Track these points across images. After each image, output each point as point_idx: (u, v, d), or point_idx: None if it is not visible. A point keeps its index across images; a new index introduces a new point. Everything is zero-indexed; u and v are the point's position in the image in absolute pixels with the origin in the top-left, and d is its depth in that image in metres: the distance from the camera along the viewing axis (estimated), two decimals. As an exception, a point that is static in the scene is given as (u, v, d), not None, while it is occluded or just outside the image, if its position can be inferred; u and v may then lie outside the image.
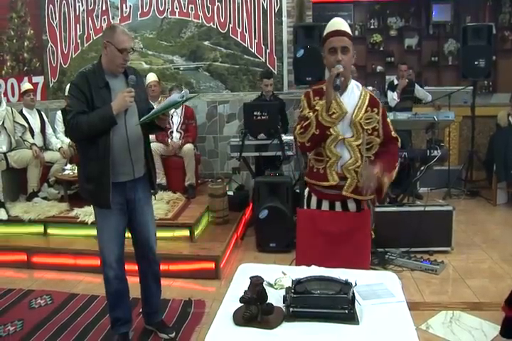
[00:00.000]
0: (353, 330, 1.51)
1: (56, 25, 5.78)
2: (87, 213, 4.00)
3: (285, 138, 4.43)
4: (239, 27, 5.51)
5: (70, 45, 5.79)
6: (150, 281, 2.70)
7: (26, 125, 4.68)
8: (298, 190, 4.29)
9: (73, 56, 5.81)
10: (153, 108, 2.48)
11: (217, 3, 5.49)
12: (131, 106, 2.33)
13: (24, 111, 4.83)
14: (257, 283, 1.59)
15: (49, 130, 4.99)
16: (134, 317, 2.76)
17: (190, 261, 3.67)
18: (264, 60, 5.54)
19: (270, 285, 1.78)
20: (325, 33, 2.19)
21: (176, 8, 5.58)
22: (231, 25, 5.52)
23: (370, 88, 4.69)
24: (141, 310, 2.83)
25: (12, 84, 5.97)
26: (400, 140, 2.35)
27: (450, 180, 5.56)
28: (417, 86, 5.72)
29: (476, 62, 5.39)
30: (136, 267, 2.69)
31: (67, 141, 4.80)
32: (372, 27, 7.79)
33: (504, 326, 2.46)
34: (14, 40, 5.92)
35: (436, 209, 3.89)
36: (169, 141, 4.78)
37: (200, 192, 4.77)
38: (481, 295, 3.15)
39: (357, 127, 2.17)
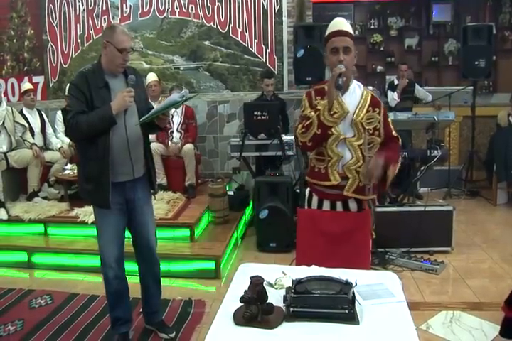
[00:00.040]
0: (353, 330, 1.51)
1: (56, 25, 5.78)
2: (87, 213, 4.00)
3: (285, 138, 4.43)
4: (239, 27, 5.51)
5: (70, 44, 5.79)
6: (150, 281, 2.70)
7: (26, 125, 4.68)
8: (298, 190, 4.29)
9: (73, 56, 5.81)
10: (153, 108, 2.47)
11: (217, 3, 5.49)
12: (131, 106, 2.33)
13: (24, 110, 4.83)
14: (257, 282, 1.59)
15: (49, 130, 4.99)
16: (134, 316, 2.76)
17: (190, 260, 3.67)
18: (264, 59, 5.54)
19: (270, 285, 1.78)
20: (327, 33, 2.20)
21: (176, 8, 5.58)
22: (231, 25, 5.52)
23: (371, 88, 4.67)
24: (141, 310, 2.83)
25: (12, 84, 5.97)
26: (400, 139, 2.35)
27: (450, 180, 5.56)
28: (417, 86, 5.72)
29: (476, 62, 5.39)
30: (136, 267, 2.69)
31: (68, 140, 4.79)
32: (372, 27, 7.79)
33: (504, 326, 2.46)
34: (14, 40, 5.92)
35: (436, 209, 3.89)
36: (169, 143, 4.79)
37: (201, 192, 4.77)
38: (481, 295, 3.15)
39: (358, 127, 2.18)
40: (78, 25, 5.73)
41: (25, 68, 5.94)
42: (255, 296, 1.55)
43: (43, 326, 2.88)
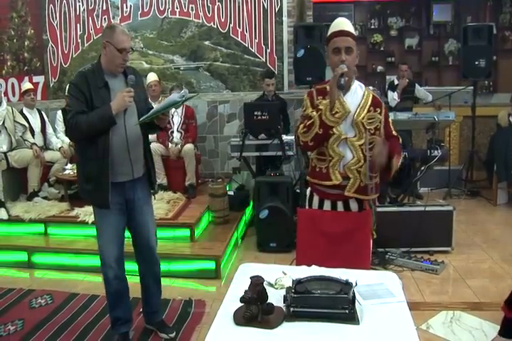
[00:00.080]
0: (353, 330, 1.51)
1: (56, 25, 5.79)
2: (87, 213, 4.00)
3: (285, 138, 4.42)
4: (239, 27, 5.51)
5: (70, 44, 5.80)
6: (150, 281, 2.70)
7: (27, 125, 4.68)
8: (298, 190, 4.29)
9: (74, 56, 5.81)
10: (153, 108, 2.47)
11: (217, 3, 5.49)
12: (131, 106, 2.33)
13: (24, 110, 4.83)
14: (257, 282, 1.58)
15: (49, 129, 4.99)
16: (134, 316, 2.76)
17: (190, 260, 3.67)
18: (264, 59, 5.54)
19: (270, 285, 1.78)
20: (329, 33, 2.21)
21: (177, 8, 5.58)
22: (231, 25, 5.52)
23: (371, 88, 4.67)
24: (141, 310, 2.83)
25: (12, 84, 5.97)
26: (400, 139, 2.35)
27: (450, 180, 5.56)
28: (417, 86, 5.72)
29: (476, 62, 5.39)
30: (136, 267, 2.68)
31: (68, 140, 4.79)
32: (372, 27, 7.80)
33: (503, 326, 2.46)
34: (15, 40, 5.92)
35: (436, 209, 3.88)
36: (169, 145, 4.79)
37: (201, 192, 4.77)
38: (481, 295, 3.15)
39: (359, 127, 2.18)
40: (78, 25, 5.74)
41: (26, 68, 5.94)
42: (255, 296, 1.55)
43: (43, 326, 2.88)
